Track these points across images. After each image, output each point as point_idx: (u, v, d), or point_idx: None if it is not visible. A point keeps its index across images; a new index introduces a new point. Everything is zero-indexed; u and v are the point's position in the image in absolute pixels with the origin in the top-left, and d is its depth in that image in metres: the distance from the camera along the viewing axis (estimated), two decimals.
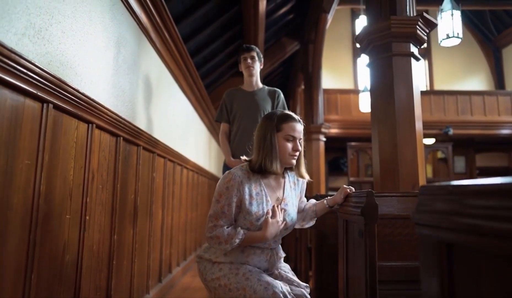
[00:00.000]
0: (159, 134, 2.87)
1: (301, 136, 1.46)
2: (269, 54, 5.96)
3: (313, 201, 1.67)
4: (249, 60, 2.53)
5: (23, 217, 1.23)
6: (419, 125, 2.34)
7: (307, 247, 3.11)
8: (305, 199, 1.67)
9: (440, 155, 9.85)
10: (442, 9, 4.25)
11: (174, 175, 3.40)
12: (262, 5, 3.88)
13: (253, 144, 1.49)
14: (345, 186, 1.63)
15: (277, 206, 1.42)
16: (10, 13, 1.14)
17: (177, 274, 3.47)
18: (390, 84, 2.34)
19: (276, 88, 2.62)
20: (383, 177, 2.30)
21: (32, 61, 1.21)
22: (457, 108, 8.83)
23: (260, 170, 1.41)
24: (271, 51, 6.09)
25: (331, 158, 10.34)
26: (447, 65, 10.43)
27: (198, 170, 4.67)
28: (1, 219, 1.12)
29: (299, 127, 1.44)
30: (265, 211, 1.39)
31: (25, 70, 1.18)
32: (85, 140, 1.65)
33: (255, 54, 2.55)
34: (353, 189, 1.61)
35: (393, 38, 2.33)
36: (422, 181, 2.30)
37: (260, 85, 2.61)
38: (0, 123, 1.11)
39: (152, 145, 2.65)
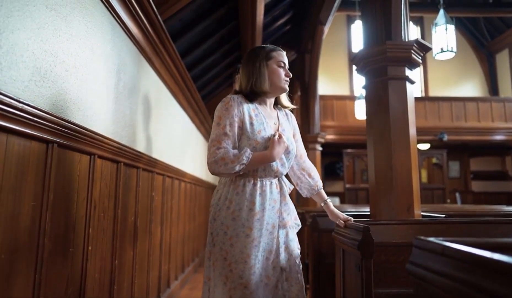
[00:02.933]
0: (158, 153, 2.90)
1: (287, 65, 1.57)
2: None
3: (321, 184, 1.70)
4: None
5: (28, 257, 1.26)
6: (414, 146, 2.39)
7: (305, 263, 3.16)
8: (304, 152, 1.70)
9: (435, 160, 9.94)
10: (436, 23, 4.31)
11: (172, 191, 3.43)
12: (260, 19, 3.92)
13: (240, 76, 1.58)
14: (345, 216, 1.67)
15: (277, 130, 1.48)
16: (18, 62, 1.17)
17: (175, 288, 3.50)
18: (385, 106, 2.39)
19: None
20: (378, 198, 2.35)
21: (38, 107, 1.25)
22: (452, 115, 8.93)
23: (251, 93, 1.48)
24: None
25: (327, 163, 10.41)
26: (442, 71, 10.53)
27: (196, 181, 4.70)
28: (7, 261, 1.15)
29: (286, 56, 1.57)
30: (266, 129, 1.45)
31: (31, 117, 1.21)
32: (87, 172, 1.68)
33: None
34: (352, 220, 1.66)
35: (389, 62, 2.38)
36: (417, 203, 2.35)
37: None
38: (8, 170, 1.14)
39: (152, 165, 2.69)
